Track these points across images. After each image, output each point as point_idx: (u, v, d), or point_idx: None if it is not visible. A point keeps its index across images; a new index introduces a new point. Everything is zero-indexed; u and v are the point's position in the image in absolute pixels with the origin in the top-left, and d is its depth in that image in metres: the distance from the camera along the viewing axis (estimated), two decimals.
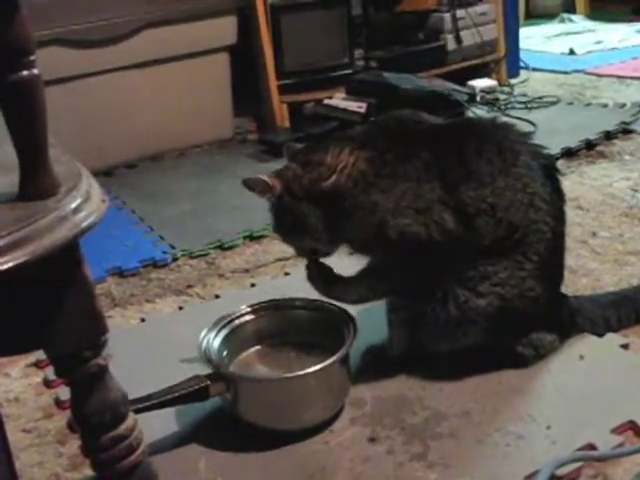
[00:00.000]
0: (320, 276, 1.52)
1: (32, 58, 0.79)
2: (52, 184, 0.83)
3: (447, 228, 1.40)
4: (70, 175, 0.88)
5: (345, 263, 1.52)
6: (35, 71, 0.79)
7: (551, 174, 1.50)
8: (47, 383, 1.61)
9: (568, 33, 4.62)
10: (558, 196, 1.50)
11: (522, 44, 3.85)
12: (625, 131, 2.81)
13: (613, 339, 1.57)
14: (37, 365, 1.67)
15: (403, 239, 1.40)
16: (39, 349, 0.85)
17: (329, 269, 1.53)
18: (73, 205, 0.82)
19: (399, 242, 1.40)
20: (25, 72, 0.78)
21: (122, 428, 0.89)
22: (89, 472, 1.06)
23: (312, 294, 1.55)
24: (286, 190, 1.46)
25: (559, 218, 1.50)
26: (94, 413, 0.88)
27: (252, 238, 2.22)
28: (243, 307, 1.55)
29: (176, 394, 1.33)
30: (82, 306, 0.85)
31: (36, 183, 0.81)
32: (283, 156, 1.57)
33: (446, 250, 1.41)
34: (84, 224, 0.81)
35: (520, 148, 1.47)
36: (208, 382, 1.35)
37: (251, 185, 1.47)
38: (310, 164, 1.47)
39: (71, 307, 0.84)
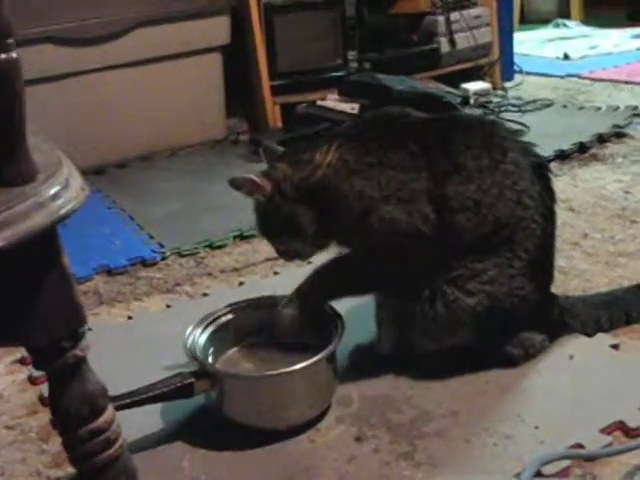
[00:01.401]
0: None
1: (10, 41, 0.78)
2: (30, 170, 0.82)
3: (430, 219, 1.38)
4: (50, 163, 0.87)
5: None
6: (14, 54, 0.78)
7: (541, 172, 1.49)
8: (32, 380, 1.59)
9: (562, 38, 4.62)
10: (548, 195, 1.49)
11: (516, 48, 3.85)
12: (618, 134, 2.81)
13: (603, 339, 1.55)
14: (22, 362, 1.66)
15: (384, 225, 1.38)
16: (15, 339, 0.84)
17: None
18: (51, 192, 0.81)
19: (379, 229, 1.38)
20: (3, 55, 0.77)
21: (100, 421, 0.88)
22: (72, 469, 1.05)
23: None
24: (276, 190, 1.45)
25: (549, 217, 1.48)
26: (72, 405, 0.86)
27: (242, 238, 2.21)
28: (230, 304, 1.53)
29: (160, 391, 1.32)
30: (60, 296, 0.84)
31: (13, 168, 0.80)
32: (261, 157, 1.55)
33: (429, 242, 1.39)
34: (62, 211, 0.80)
35: (509, 145, 1.46)
36: (193, 379, 1.33)
37: (238, 184, 1.45)
38: (300, 163, 1.46)
39: (49, 297, 0.83)
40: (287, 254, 1.52)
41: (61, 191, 0.82)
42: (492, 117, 1.82)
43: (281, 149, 1.58)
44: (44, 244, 0.81)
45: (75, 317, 0.85)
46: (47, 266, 0.82)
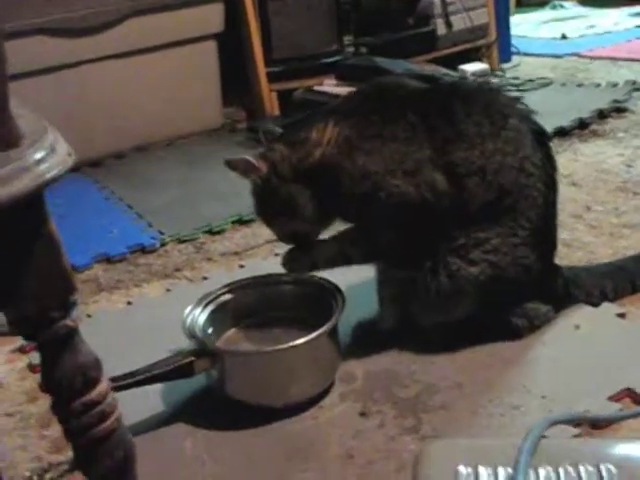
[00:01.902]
0: (299, 258, 1.47)
1: None
2: (14, 135, 0.79)
3: (438, 189, 1.36)
4: (35, 129, 0.84)
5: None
6: None
7: (541, 140, 1.47)
8: (31, 368, 1.57)
9: (560, 19, 4.57)
10: (549, 163, 1.47)
11: (513, 31, 3.80)
12: (618, 109, 2.77)
13: (609, 309, 1.53)
14: (21, 350, 1.64)
15: (393, 201, 1.36)
16: (2, 308, 0.81)
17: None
18: (36, 157, 0.78)
19: (389, 204, 1.36)
20: None
21: (94, 393, 0.85)
22: (72, 454, 1.03)
23: None
24: (273, 171, 1.42)
25: (551, 185, 1.46)
26: (64, 377, 0.84)
27: (241, 222, 2.19)
28: (229, 284, 1.51)
29: (160, 370, 1.30)
30: (48, 264, 0.81)
31: None
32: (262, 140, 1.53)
33: (437, 212, 1.37)
34: (48, 175, 0.77)
35: (509, 111, 1.43)
36: (193, 358, 1.32)
37: (234, 165, 1.43)
38: (297, 143, 1.43)
39: (37, 265, 0.80)
40: (286, 236, 1.49)
41: (46, 156, 0.79)
42: (491, 84, 1.78)
43: (280, 131, 1.56)
44: (30, 210, 0.79)
45: (64, 285, 0.82)
46: (34, 232, 0.80)
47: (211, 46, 3.03)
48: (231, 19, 3.01)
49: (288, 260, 1.48)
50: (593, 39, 4.03)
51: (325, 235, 1.48)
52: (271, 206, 1.45)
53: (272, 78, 3.08)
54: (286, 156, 1.42)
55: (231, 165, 1.43)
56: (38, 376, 1.53)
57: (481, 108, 1.41)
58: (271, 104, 3.08)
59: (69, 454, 1.29)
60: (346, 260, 1.44)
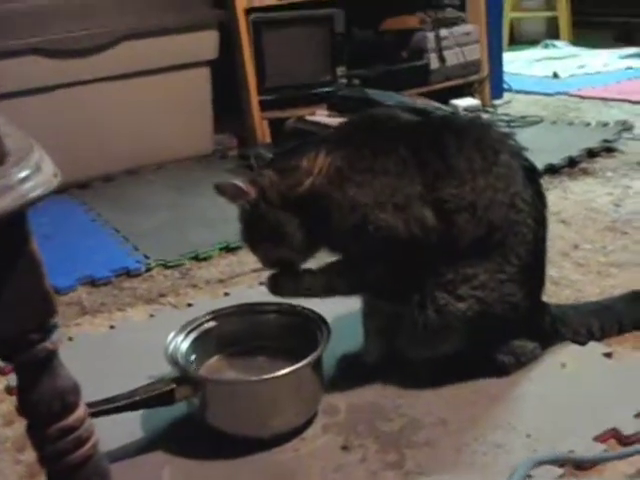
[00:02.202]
0: (285, 282, 1.46)
1: None
2: None
3: (427, 225, 1.35)
4: (20, 147, 0.83)
5: None
6: None
7: (532, 176, 1.46)
8: (9, 390, 1.54)
9: (551, 58, 4.62)
10: (540, 199, 1.46)
11: (506, 68, 3.84)
12: (608, 149, 2.79)
13: (596, 348, 1.52)
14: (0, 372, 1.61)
15: (381, 235, 1.35)
16: None
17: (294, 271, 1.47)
18: (20, 175, 0.77)
19: (376, 237, 1.35)
20: None
21: (71, 419, 0.83)
22: None
23: (286, 300, 1.50)
24: (262, 197, 1.41)
25: (541, 222, 1.45)
26: (41, 401, 0.82)
27: (228, 249, 2.17)
28: (213, 311, 1.50)
29: (140, 397, 1.28)
30: (29, 284, 0.79)
31: None
32: (253, 166, 1.52)
33: (426, 248, 1.36)
34: (31, 195, 0.76)
35: (500, 147, 1.43)
36: (174, 385, 1.29)
37: (223, 190, 1.42)
38: (287, 170, 1.42)
39: (17, 285, 0.78)
40: (271, 262, 1.48)
41: (31, 175, 0.77)
42: (483, 119, 1.78)
43: (271, 157, 1.55)
44: (12, 229, 0.77)
45: (44, 307, 0.81)
46: (15, 252, 0.78)
47: (204, 72, 3.03)
48: (225, 46, 3.02)
49: (273, 283, 1.46)
50: (584, 79, 4.07)
51: (310, 264, 1.47)
52: (258, 231, 1.43)
53: (264, 106, 3.09)
54: (275, 182, 1.41)
55: (220, 189, 1.42)
56: (15, 399, 1.50)
57: (473, 143, 1.41)
58: (262, 132, 3.08)
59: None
60: (331, 291, 1.43)
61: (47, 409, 0.82)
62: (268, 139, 3.08)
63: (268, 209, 1.40)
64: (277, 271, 1.47)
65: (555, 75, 4.14)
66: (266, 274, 1.90)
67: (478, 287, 1.38)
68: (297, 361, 1.32)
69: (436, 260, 1.38)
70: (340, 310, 1.54)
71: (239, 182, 1.41)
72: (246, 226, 1.45)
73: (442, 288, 1.38)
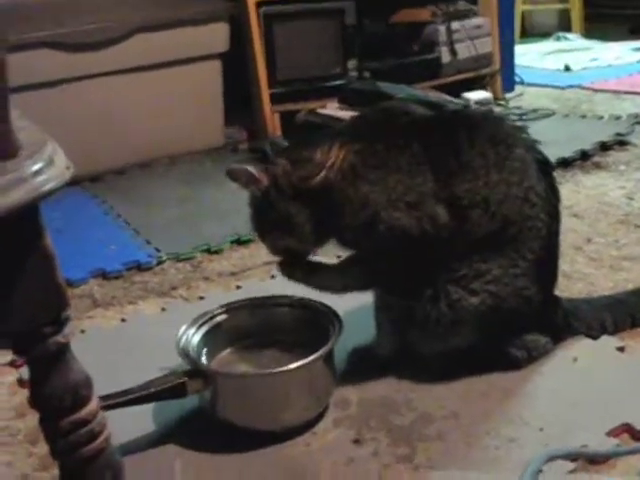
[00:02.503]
0: (297, 266, 1.46)
1: None
2: (12, 146, 0.78)
3: (440, 222, 1.35)
4: (34, 141, 0.83)
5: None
6: None
7: (545, 170, 1.45)
8: (21, 383, 1.55)
9: (563, 50, 4.60)
10: (553, 193, 1.46)
11: (518, 60, 3.83)
12: (620, 142, 2.77)
13: (608, 342, 1.51)
14: (12, 364, 1.61)
15: (393, 233, 1.35)
16: None
17: (305, 260, 1.47)
18: (34, 168, 0.77)
19: (389, 236, 1.35)
20: None
21: (84, 412, 0.83)
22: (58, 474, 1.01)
23: (298, 293, 1.50)
24: (273, 185, 1.41)
25: (554, 216, 1.45)
26: (53, 395, 0.82)
27: (239, 243, 2.17)
28: (225, 304, 1.49)
29: (152, 390, 1.28)
30: (42, 278, 0.79)
31: None
32: (267, 153, 1.52)
33: (438, 244, 1.36)
34: (44, 188, 0.76)
35: (514, 141, 1.42)
36: (186, 378, 1.29)
37: (235, 175, 1.41)
38: (299, 161, 1.41)
39: (30, 279, 0.78)
40: (278, 251, 1.48)
41: (44, 168, 0.77)
42: (496, 112, 1.77)
43: (286, 144, 1.55)
44: (25, 222, 0.77)
45: (57, 301, 0.80)
46: (28, 246, 0.78)
47: (215, 65, 3.03)
48: (236, 39, 3.02)
49: (284, 268, 1.47)
50: (596, 72, 4.04)
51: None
52: (267, 220, 1.43)
53: (275, 99, 3.09)
54: (288, 172, 1.41)
55: (232, 175, 1.41)
56: (27, 391, 1.50)
57: (486, 137, 1.40)
58: (273, 125, 3.08)
59: (56, 472, 1.25)
60: (345, 287, 1.44)
61: (59, 402, 0.83)
62: (279, 132, 3.08)
63: (279, 198, 1.40)
64: (286, 259, 1.47)
65: (567, 68, 4.12)
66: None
67: (491, 281, 1.38)
68: (309, 354, 1.32)
69: (449, 255, 1.38)
70: (352, 303, 1.53)
71: (252, 168, 1.41)
72: (256, 213, 1.45)
73: (455, 283, 1.38)
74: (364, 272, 1.42)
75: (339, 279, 1.43)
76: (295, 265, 1.46)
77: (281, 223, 1.41)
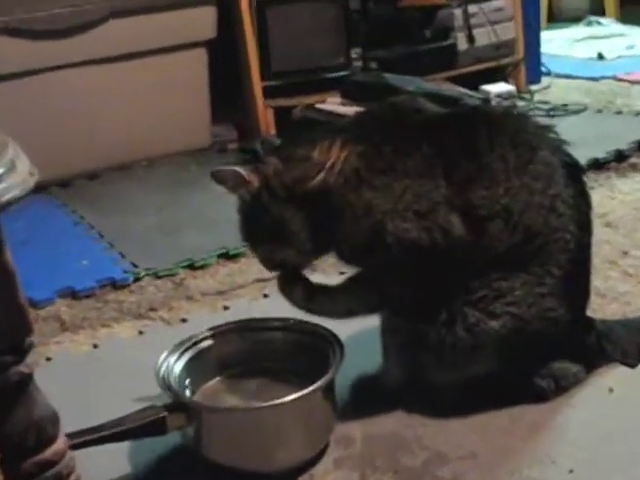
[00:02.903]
0: (297, 286, 1.47)
1: None
2: None
3: (454, 234, 1.36)
4: None
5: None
6: None
7: (575, 174, 1.46)
8: None
9: (596, 37, 4.60)
10: (583, 200, 1.46)
11: (544, 48, 3.84)
12: None
13: None
14: None
15: (401, 246, 1.35)
16: None
17: (306, 278, 1.48)
18: None
19: (396, 250, 1.36)
20: None
21: (49, 452, 0.84)
22: None
23: (293, 315, 1.50)
24: (264, 187, 1.41)
25: (585, 227, 1.45)
26: (15, 432, 0.82)
27: (228, 257, 2.18)
28: (211, 328, 1.50)
29: (127, 427, 1.28)
30: (1, 299, 0.79)
31: None
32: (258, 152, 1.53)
33: (452, 260, 1.36)
34: (5, 197, 0.76)
35: (538, 142, 1.43)
36: (166, 413, 1.30)
37: (221, 177, 1.43)
38: (294, 160, 1.42)
39: None
40: (272, 264, 1.48)
41: (4, 174, 0.78)
42: (518, 109, 1.78)
43: (279, 143, 1.56)
44: None
45: (19, 326, 0.81)
46: None
47: (201, 54, 3.04)
48: (224, 25, 3.03)
49: (284, 286, 1.48)
50: (633, 61, 4.05)
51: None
52: (259, 227, 1.44)
53: (269, 93, 3.10)
54: (280, 172, 1.41)
55: (218, 177, 1.43)
56: None
57: (507, 138, 1.41)
58: (266, 123, 3.08)
59: None
60: (348, 313, 1.45)
61: (21, 441, 0.83)
62: (273, 130, 3.08)
63: (271, 201, 1.41)
64: (286, 274, 1.48)
65: (600, 56, 4.13)
66: (272, 285, 1.93)
67: (513, 302, 1.38)
68: (306, 385, 1.32)
69: (465, 273, 1.38)
70: (355, 326, 1.53)
71: (240, 169, 1.42)
72: (246, 220, 1.46)
73: (473, 304, 1.38)
74: (370, 293, 1.42)
75: (342, 302, 1.44)
76: (294, 284, 1.46)
77: (274, 230, 1.42)
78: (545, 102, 3.35)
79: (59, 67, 2.78)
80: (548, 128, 1.50)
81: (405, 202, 1.36)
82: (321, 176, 1.39)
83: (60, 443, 0.85)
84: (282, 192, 1.41)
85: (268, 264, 1.49)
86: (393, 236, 1.36)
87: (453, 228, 1.36)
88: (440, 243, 1.36)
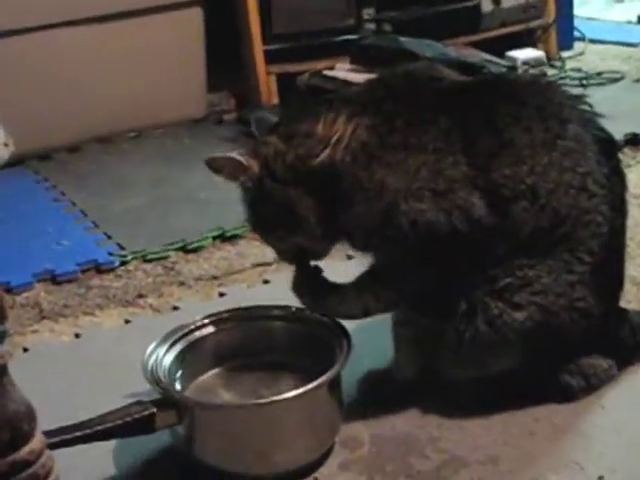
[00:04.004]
0: (309, 284, 1.48)
1: None
2: None
3: (475, 216, 1.36)
4: None
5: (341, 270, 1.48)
6: None
7: (608, 151, 1.46)
8: None
9: None
10: (618, 180, 1.46)
11: (577, 11, 3.84)
12: None
13: None
14: None
15: (417, 230, 1.36)
16: None
17: (320, 275, 1.49)
18: None
19: (412, 234, 1.36)
20: None
21: (24, 451, 0.84)
22: None
23: (296, 303, 1.50)
24: (266, 171, 1.42)
25: (618, 208, 1.45)
26: None
27: (224, 238, 2.19)
28: (205, 316, 1.50)
29: (112, 424, 1.28)
30: None
31: None
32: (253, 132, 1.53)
33: (473, 245, 1.37)
34: None
35: (568, 115, 1.43)
36: (154, 409, 1.30)
37: (217, 166, 1.43)
38: (296, 136, 1.42)
39: None
40: (288, 254, 1.49)
41: None
42: (547, 78, 1.78)
43: (276, 120, 1.56)
44: None
45: None
46: None
47: (196, 15, 3.04)
48: None
49: (299, 285, 1.48)
50: None
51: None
52: (266, 215, 1.45)
53: (271, 58, 3.10)
54: (281, 152, 1.42)
55: (214, 166, 1.43)
56: None
57: (534, 110, 1.41)
58: (268, 91, 3.09)
59: None
60: (364, 313, 1.45)
61: None
62: (275, 100, 3.10)
63: (274, 186, 1.41)
64: (300, 269, 1.49)
65: None
66: (271, 270, 1.94)
67: (540, 292, 1.39)
68: (309, 380, 1.32)
69: (487, 260, 1.38)
70: None
71: (237, 155, 1.42)
72: (251, 209, 1.46)
73: (495, 295, 1.39)
74: (386, 289, 1.43)
75: (356, 302, 1.44)
76: (306, 283, 1.47)
77: (282, 217, 1.42)
78: (578, 70, 3.35)
79: (38, 28, 2.78)
80: (579, 99, 1.51)
81: (421, 180, 1.36)
82: (326, 152, 1.40)
83: (36, 441, 0.86)
84: (286, 174, 1.41)
85: (282, 255, 1.50)
86: (407, 218, 1.36)
87: (474, 209, 1.36)
88: (459, 226, 1.36)
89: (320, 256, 1.49)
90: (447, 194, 1.36)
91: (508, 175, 1.37)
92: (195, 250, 2.15)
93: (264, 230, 1.48)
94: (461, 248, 1.38)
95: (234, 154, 1.43)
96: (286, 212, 1.42)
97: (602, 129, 1.48)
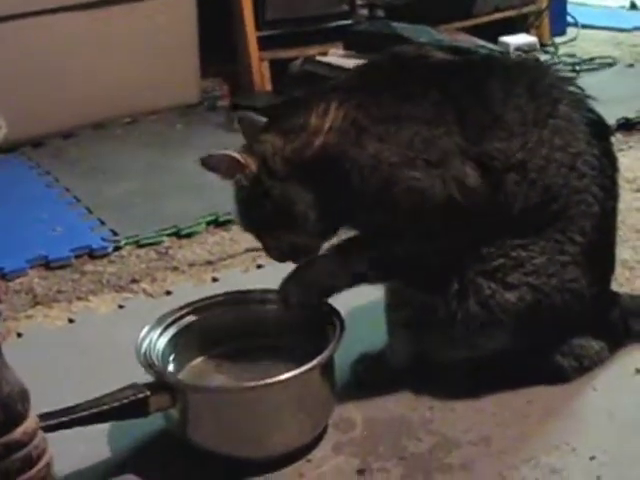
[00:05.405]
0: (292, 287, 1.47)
1: None
2: None
3: (469, 185, 1.36)
4: None
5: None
6: None
7: (599, 133, 1.46)
8: None
9: None
10: (609, 162, 1.46)
11: None
12: None
13: None
14: None
15: (412, 198, 1.35)
16: None
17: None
18: None
19: (407, 204, 1.35)
20: None
21: (18, 432, 0.85)
22: None
23: None
24: (264, 169, 1.41)
25: (610, 190, 1.46)
26: None
27: (217, 224, 2.19)
28: (198, 300, 1.51)
29: (106, 407, 1.29)
30: None
31: None
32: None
33: (466, 216, 1.36)
34: None
35: (559, 95, 1.43)
36: (148, 392, 1.30)
37: (213, 164, 1.42)
38: (291, 131, 1.41)
39: None
40: (282, 253, 1.48)
41: None
42: (537, 60, 1.78)
43: (263, 120, 1.54)
44: None
45: None
46: None
47: (189, 1, 3.02)
48: None
49: (287, 290, 1.46)
50: None
51: None
52: (262, 214, 1.43)
53: (264, 44, 3.10)
54: (278, 148, 1.41)
55: (209, 164, 1.42)
56: None
57: (524, 89, 1.41)
58: (261, 77, 3.09)
59: None
60: (356, 280, 1.43)
61: None
62: (268, 85, 3.10)
63: (272, 184, 1.40)
64: (292, 273, 1.47)
65: (633, 5, 4.12)
66: (265, 255, 1.93)
67: (532, 272, 1.39)
68: (302, 363, 1.32)
69: (480, 237, 1.38)
70: (357, 299, 1.55)
71: (233, 153, 1.41)
72: (245, 209, 1.45)
73: (487, 275, 1.39)
74: (377, 255, 1.41)
75: (343, 268, 1.43)
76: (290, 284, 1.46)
77: (279, 215, 1.41)
78: (571, 55, 3.36)
79: (31, 13, 2.77)
80: (569, 80, 1.51)
81: (414, 150, 1.36)
82: (320, 140, 1.39)
83: (30, 423, 0.86)
84: (283, 171, 1.40)
85: (277, 254, 1.49)
86: (402, 186, 1.35)
87: (468, 179, 1.36)
88: (454, 195, 1.35)
89: (312, 253, 1.47)
90: (440, 163, 1.36)
91: (500, 148, 1.37)
92: (188, 235, 2.15)
93: (259, 230, 1.47)
94: (454, 219, 1.37)
95: (231, 152, 1.42)
96: (284, 209, 1.41)
97: (592, 111, 1.48)
